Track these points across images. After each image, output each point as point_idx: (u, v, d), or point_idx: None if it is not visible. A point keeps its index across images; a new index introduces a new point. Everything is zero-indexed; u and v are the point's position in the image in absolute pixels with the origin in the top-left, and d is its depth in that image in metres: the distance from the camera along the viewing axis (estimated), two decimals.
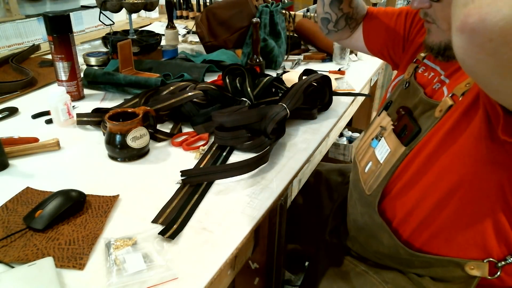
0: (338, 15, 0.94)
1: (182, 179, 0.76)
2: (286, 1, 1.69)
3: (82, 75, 1.17)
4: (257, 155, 0.83)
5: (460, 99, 0.62)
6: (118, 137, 0.82)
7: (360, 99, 1.35)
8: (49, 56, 1.33)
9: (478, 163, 0.59)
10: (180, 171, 0.78)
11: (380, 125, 0.79)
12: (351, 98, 1.21)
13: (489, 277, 0.63)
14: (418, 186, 0.67)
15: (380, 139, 0.76)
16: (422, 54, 0.80)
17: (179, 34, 1.83)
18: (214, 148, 0.89)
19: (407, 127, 0.70)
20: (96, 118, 0.96)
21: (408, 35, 0.89)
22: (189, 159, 0.85)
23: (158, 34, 1.56)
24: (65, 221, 0.66)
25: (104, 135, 0.88)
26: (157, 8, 1.66)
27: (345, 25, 0.96)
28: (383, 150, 0.74)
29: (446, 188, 0.63)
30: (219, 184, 0.77)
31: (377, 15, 0.96)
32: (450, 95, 0.65)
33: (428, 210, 0.66)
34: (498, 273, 0.63)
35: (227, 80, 1.06)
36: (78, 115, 0.97)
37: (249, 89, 1.03)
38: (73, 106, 1.04)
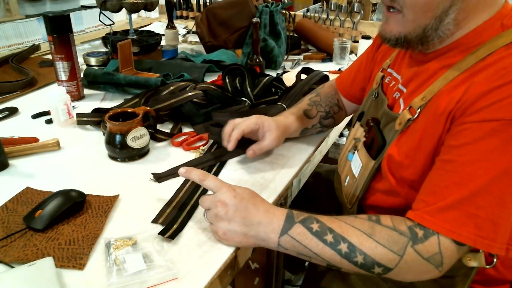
0: (321, 125, 0.94)
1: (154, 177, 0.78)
2: (286, 1, 1.69)
3: (82, 75, 1.17)
4: (220, 149, 0.85)
5: (418, 111, 0.63)
6: (118, 137, 0.82)
7: None
8: (49, 56, 1.33)
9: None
10: (152, 173, 0.79)
11: (354, 136, 0.80)
12: None
13: (487, 266, 0.63)
14: (392, 194, 0.69)
15: (354, 153, 0.78)
16: (388, 61, 0.80)
17: (179, 34, 1.83)
18: (214, 148, 0.89)
19: (374, 140, 0.72)
20: (96, 118, 0.96)
21: (374, 56, 0.88)
22: (189, 159, 0.85)
23: (158, 34, 1.56)
24: (65, 221, 0.66)
25: (104, 135, 0.88)
26: (157, 8, 1.66)
27: (333, 120, 0.95)
28: (357, 164, 0.76)
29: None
30: None
31: (347, 76, 0.94)
32: (408, 107, 0.66)
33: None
34: (495, 260, 0.64)
35: (227, 80, 1.06)
36: (78, 115, 0.97)
37: (249, 89, 1.03)
38: (73, 106, 1.04)
